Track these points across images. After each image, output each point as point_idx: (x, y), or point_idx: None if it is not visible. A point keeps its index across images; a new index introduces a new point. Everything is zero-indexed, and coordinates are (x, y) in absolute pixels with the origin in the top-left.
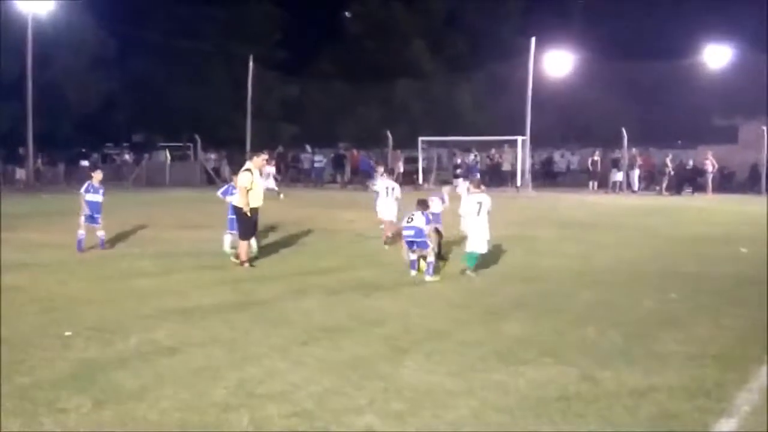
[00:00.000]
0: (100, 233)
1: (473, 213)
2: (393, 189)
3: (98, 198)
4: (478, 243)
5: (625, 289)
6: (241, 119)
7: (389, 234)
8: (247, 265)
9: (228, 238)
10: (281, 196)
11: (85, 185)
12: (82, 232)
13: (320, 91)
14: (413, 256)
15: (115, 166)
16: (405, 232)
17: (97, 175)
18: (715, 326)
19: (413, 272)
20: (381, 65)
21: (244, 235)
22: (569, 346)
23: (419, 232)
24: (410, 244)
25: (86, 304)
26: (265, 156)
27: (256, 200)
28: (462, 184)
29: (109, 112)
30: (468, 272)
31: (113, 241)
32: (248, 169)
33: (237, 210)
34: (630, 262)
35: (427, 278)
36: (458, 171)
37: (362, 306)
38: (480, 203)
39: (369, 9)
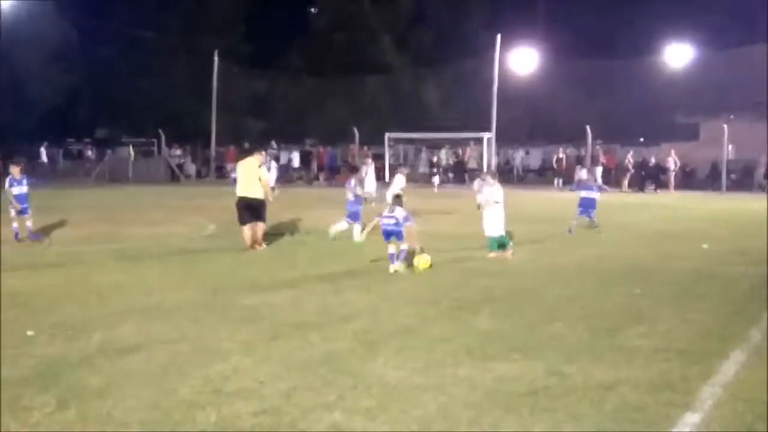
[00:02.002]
0: (29, 223)
1: (491, 202)
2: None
3: (24, 189)
4: (496, 227)
5: (591, 285)
6: (207, 114)
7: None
8: (261, 246)
9: (357, 228)
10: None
11: (8, 180)
12: (15, 225)
13: (287, 87)
14: (392, 249)
15: (77, 162)
16: (384, 221)
17: (14, 169)
18: (679, 321)
19: (392, 267)
20: (348, 61)
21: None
22: (537, 342)
23: (397, 222)
24: (387, 234)
25: (48, 302)
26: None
27: (240, 190)
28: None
29: (72, 106)
30: (492, 254)
31: (76, 238)
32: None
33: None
34: (595, 257)
35: (392, 266)
36: (435, 170)
37: (331, 302)
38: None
39: (336, 4)
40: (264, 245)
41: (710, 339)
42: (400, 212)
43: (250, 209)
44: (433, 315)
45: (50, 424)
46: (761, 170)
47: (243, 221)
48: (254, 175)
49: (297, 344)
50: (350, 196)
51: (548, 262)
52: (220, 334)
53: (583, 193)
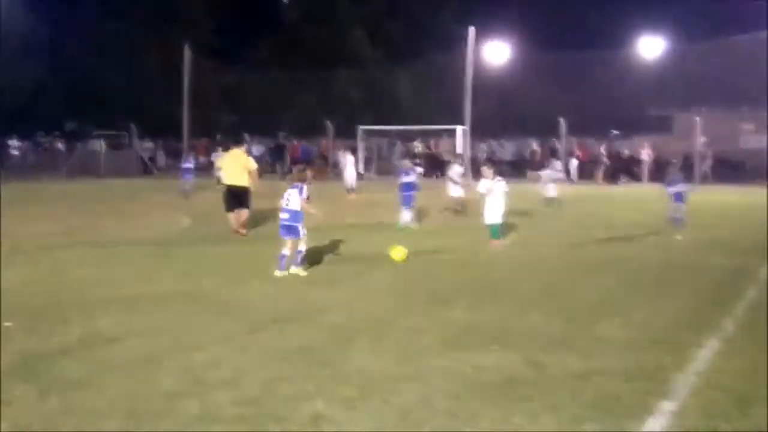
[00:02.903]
0: None
1: (492, 192)
2: None
3: None
4: (495, 215)
5: (566, 276)
6: (178, 107)
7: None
8: (244, 231)
9: (407, 215)
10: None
11: None
12: None
13: (259, 80)
14: (285, 251)
15: (47, 155)
16: (281, 216)
17: None
18: (653, 311)
19: (278, 272)
20: (320, 53)
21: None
22: (514, 332)
23: (295, 215)
24: (285, 230)
25: (24, 295)
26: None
27: (227, 179)
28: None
29: (40, 99)
30: (496, 243)
31: (50, 232)
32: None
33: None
34: (569, 249)
35: (293, 269)
36: (416, 161)
37: (306, 295)
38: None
39: None
40: (244, 231)
41: (685, 329)
42: (295, 199)
43: (236, 196)
44: (408, 306)
45: (32, 415)
46: (708, 162)
47: (229, 208)
48: (239, 165)
49: (274, 336)
50: (402, 178)
51: (524, 254)
52: (197, 326)
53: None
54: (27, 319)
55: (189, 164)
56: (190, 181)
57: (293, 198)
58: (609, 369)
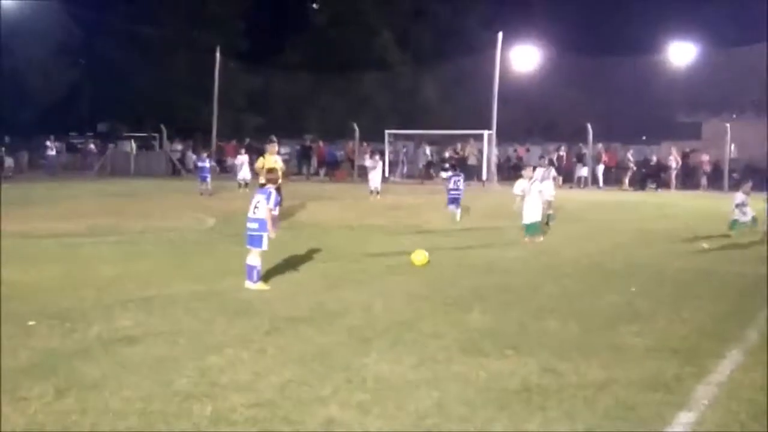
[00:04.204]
0: None
1: (528, 192)
2: None
3: None
4: (530, 214)
5: (587, 282)
6: (207, 109)
7: None
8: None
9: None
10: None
11: None
12: None
13: (286, 82)
14: (253, 260)
15: (80, 156)
16: (248, 224)
17: None
18: (674, 320)
19: (251, 284)
20: (347, 57)
21: None
22: (530, 339)
23: (263, 224)
24: (251, 241)
25: (48, 293)
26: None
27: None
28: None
29: (74, 100)
30: (526, 239)
31: (77, 230)
32: (262, 155)
33: None
34: (592, 255)
35: (248, 285)
36: (446, 165)
37: (325, 297)
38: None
39: (336, 1)
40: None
41: (705, 338)
42: (263, 207)
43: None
44: (426, 311)
45: (48, 414)
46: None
47: None
48: (271, 164)
49: (291, 338)
50: (451, 185)
51: (543, 259)
52: (215, 327)
53: None
54: (49, 317)
55: (203, 163)
56: (206, 180)
57: (261, 206)
58: (626, 378)
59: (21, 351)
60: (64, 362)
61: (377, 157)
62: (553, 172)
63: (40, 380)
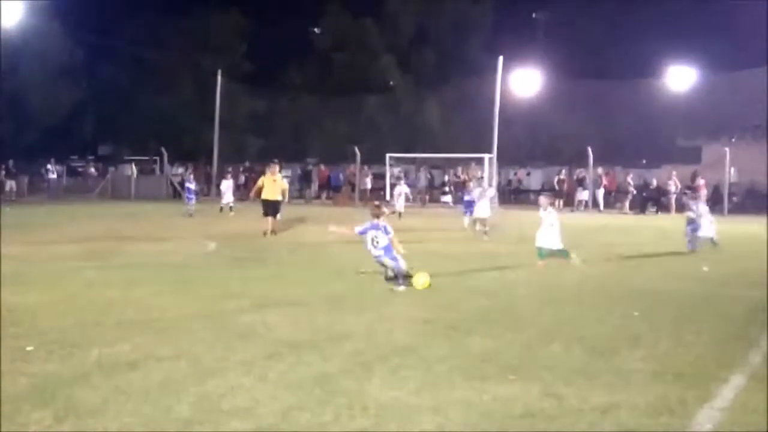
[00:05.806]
0: None
1: (543, 220)
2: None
3: None
4: (543, 240)
5: (589, 306)
6: (208, 132)
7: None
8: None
9: (466, 219)
10: (231, 212)
11: None
12: None
13: (288, 106)
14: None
15: (80, 179)
16: (375, 254)
17: None
18: (677, 344)
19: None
20: (349, 80)
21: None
22: (533, 363)
23: (388, 248)
24: (388, 260)
25: (47, 317)
26: (276, 166)
27: (264, 195)
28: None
29: (75, 123)
30: (540, 263)
31: (77, 254)
32: (262, 173)
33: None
34: (594, 279)
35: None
36: (445, 189)
37: (327, 320)
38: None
39: (338, 24)
40: (275, 233)
41: (709, 362)
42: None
43: (271, 206)
44: (428, 335)
45: None
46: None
47: (266, 214)
48: (275, 184)
49: (293, 363)
50: (468, 196)
51: (546, 282)
52: (216, 351)
53: None
54: (48, 341)
55: (190, 184)
56: (190, 202)
57: (380, 238)
58: (630, 402)
59: (19, 376)
60: (63, 388)
61: (402, 182)
62: (491, 191)
63: (39, 406)
